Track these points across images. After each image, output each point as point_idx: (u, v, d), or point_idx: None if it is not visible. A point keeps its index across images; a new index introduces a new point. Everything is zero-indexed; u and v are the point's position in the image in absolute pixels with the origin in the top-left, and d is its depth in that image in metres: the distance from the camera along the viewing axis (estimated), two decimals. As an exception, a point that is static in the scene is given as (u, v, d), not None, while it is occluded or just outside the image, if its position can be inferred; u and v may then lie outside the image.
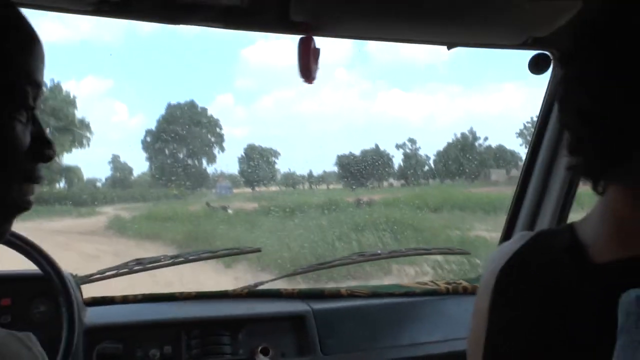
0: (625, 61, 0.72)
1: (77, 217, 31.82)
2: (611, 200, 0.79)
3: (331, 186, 63.55)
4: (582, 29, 0.79)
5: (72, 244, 19.26)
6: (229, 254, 2.20)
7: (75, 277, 1.76)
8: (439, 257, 9.31)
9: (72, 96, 40.26)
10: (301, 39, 1.42)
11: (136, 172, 71.23)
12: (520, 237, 0.95)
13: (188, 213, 27.01)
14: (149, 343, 1.82)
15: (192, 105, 59.64)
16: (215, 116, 61.78)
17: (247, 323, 1.92)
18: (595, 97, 0.75)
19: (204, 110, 60.37)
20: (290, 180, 70.00)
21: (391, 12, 1.46)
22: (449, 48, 1.77)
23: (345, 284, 10.56)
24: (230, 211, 29.05)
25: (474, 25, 1.63)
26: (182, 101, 60.82)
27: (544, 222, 2.13)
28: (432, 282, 2.31)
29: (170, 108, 58.56)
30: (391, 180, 63.66)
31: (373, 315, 2.12)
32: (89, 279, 1.89)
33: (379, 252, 2.45)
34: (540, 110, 2.13)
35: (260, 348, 1.84)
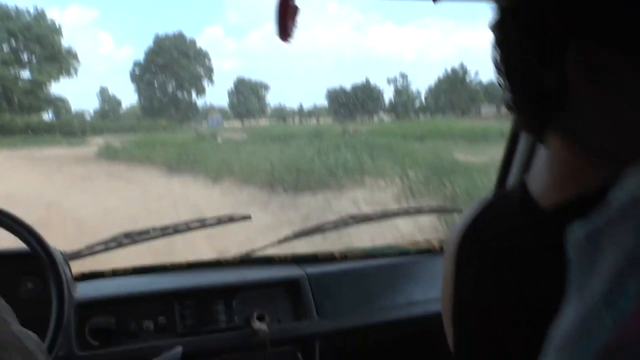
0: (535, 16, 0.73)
1: (67, 147, 31.94)
2: (553, 150, 0.80)
3: (321, 120, 63.56)
4: None
5: (64, 167, 19.75)
6: (218, 223, 2.17)
7: (63, 253, 1.74)
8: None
9: (57, 24, 39.84)
10: None
11: (125, 104, 70.73)
12: (478, 202, 0.94)
13: (178, 140, 27.44)
14: (142, 315, 1.76)
15: (180, 36, 58.92)
16: (204, 48, 61.37)
17: (241, 290, 1.87)
18: (514, 58, 0.77)
19: (193, 42, 59.71)
20: (280, 113, 70.01)
21: None
22: (435, 2, 1.61)
23: (321, 195, 11.28)
24: (219, 140, 29.52)
25: None
26: (170, 32, 60.21)
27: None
28: (426, 240, 2.29)
29: (158, 39, 57.90)
30: (381, 114, 63.76)
31: (368, 276, 2.05)
32: (77, 255, 1.88)
33: (371, 214, 2.43)
34: None
35: (255, 314, 1.80)
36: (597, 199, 0.56)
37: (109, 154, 24.33)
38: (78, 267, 1.84)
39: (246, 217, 2.35)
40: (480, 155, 13.62)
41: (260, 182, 13.48)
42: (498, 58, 0.79)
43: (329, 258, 2.11)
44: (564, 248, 0.57)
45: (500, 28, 0.78)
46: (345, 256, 2.13)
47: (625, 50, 0.66)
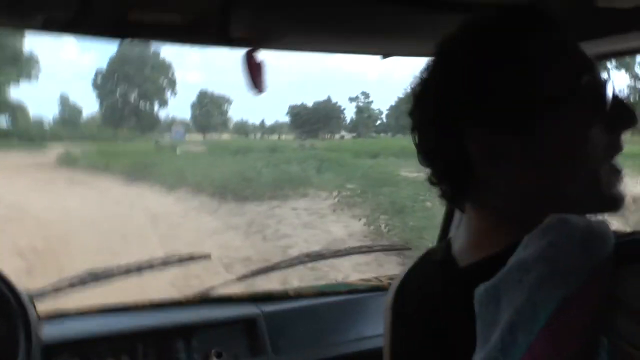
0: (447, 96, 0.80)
1: (27, 153, 31.90)
2: (469, 217, 0.86)
3: (283, 136, 63.81)
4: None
5: (25, 172, 20.27)
6: (180, 261, 2.26)
7: (28, 292, 1.69)
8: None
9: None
10: (245, 53, 1.45)
11: (86, 113, 70.43)
12: (417, 258, 1.00)
13: (137, 150, 28.02)
14: (106, 355, 1.78)
15: (144, 47, 59.01)
16: (168, 60, 61.61)
17: (200, 329, 1.93)
18: (424, 139, 0.85)
19: (157, 53, 59.88)
20: (242, 128, 70.17)
21: (327, 26, 1.52)
22: (383, 57, 1.87)
23: (267, 204, 12.24)
24: (178, 151, 30.10)
25: (407, 37, 1.67)
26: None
27: None
28: (375, 278, 2.37)
29: (122, 48, 57.86)
30: (343, 132, 64.25)
31: (320, 313, 2.13)
32: (42, 293, 1.87)
33: (324, 252, 2.57)
34: None
35: (214, 352, 1.87)
36: (502, 261, 0.66)
37: (69, 161, 24.86)
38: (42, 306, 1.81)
39: (206, 256, 2.48)
40: (419, 171, 14.61)
41: (212, 191, 14.39)
42: (418, 137, 0.86)
43: (283, 296, 2.17)
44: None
45: (416, 110, 0.86)
46: (299, 294, 2.18)
47: (512, 132, 0.76)
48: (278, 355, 1.99)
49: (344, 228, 9.94)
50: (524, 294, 0.60)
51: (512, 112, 0.76)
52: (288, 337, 2.04)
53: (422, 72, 0.86)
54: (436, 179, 0.86)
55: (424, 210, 9.69)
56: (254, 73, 1.46)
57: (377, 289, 2.27)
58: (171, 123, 66.92)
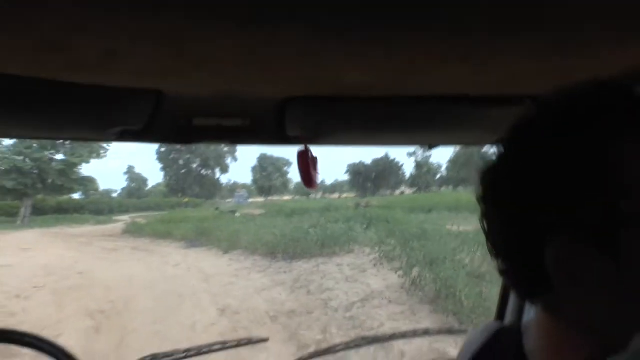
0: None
1: (96, 224, 34.06)
2: (543, 320, 0.79)
3: (344, 195, 63.83)
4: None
5: (93, 242, 21.64)
6: (238, 345, 2.30)
7: None
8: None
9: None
10: (299, 151, 1.53)
11: (151, 183, 72.94)
12: (485, 328, 0.94)
13: (199, 216, 29.23)
14: None
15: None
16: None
17: None
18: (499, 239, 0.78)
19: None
20: (303, 189, 70.72)
21: (374, 124, 1.56)
22: (429, 149, 1.92)
23: (314, 261, 12.94)
24: (237, 214, 31.12)
25: (452, 128, 1.69)
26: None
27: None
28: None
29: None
30: (403, 188, 63.92)
31: None
32: None
33: (379, 336, 2.56)
34: None
35: None
36: None
37: (134, 230, 26.13)
38: None
39: (264, 340, 2.50)
40: (467, 225, 14.96)
41: (264, 251, 15.26)
42: (486, 229, 0.80)
43: None
44: None
45: (487, 211, 0.79)
46: None
47: (597, 246, 0.68)
48: None
49: (382, 281, 10.52)
50: None
51: (600, 223, 0.68)
52: None
53: (495, 156, 0.79)
54: (507, 272, 0.80)
55: (454, 262, 10.19)
56: (308, 168, 1.52)
57: None
58: (233, 188, 68.63)
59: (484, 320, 7.86)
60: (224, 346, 2.30)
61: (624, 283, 0.69)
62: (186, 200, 50.79)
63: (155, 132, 1.53)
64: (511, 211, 0.75)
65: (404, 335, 2.61)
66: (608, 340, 0.68)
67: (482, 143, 1.95)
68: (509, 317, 2.24)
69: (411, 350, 7.14)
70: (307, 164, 1.55)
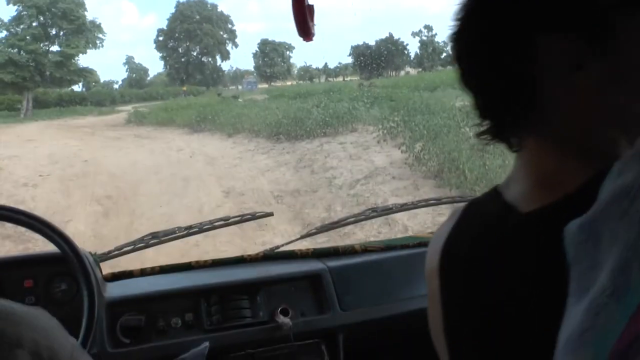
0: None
1: (99, 115, 33.95)
2: (529, 155, 0.75)
3: (348, 78, 63.21)
4: None
5: (97, 132, 21.65)
6: (241, 221, 2.24)
7: (94, 255, 1.82)
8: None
9: (80, -2, 41.18)
10: None
11: (152, 72, 72.10)
12: (453, 213, 0.89)
13: (201, 103, 29.05)
14: (170, 312, 1.79)
15: (202, 2, 59.76)
16: (225, 12, 62.28)
17: (264, 285, 1.89)
18: (481, 60, 0.75)
19: (214, 6, 60.37)
20: (306, 73, 70.10)
21: None
22: None
23: (317, 141, 12.92)
24: (240, 100, 30.87)
25: None
26: (192, -2, 61.35)
27: None
28: None
29: (180, 5, 58.79)
30: (408, 68, 63.28)
31: (388, 268, 2.03)
32: (107, 256, 1.94)
33: (390, 206, 2.46)
34: None
35: (279, 309, 1.82)
36: (576, 202, 0.56)
37: (137, 119, 26.13)
38: (108, 267, 1.94)
39: (269, 214, 2.42)
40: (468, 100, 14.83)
41: (267, 133, 15.23)
42: (464, 65, 0.78)
43: (349, 251, 2.10)
44: (554, 249, 0.56)
45: (464, 33, 0.77)
46: (365, 249, 2.11)
47: (588, 39, 0.65)
48: (345, 312, 1.93)
49: (386, 157, 10.52)
50: (634, 227, 0.48)
51: (586, 13, 0.65)
52: (354, 292, 1.98)
53: None
54: (489, 112, 0.77)
55: (458, 135, 10.12)
56: (304, 17, 1.37)
57: None
58: (235, 75, 67.88)
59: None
60: (226, 222, 2.21)
61: (619, 79, 0.66)
62: (184, 88, 50.24)
63: None
64: (493, 26, 0.72)
65: (415, 206, 2.54)
66: (606, 156, 0.61)
67: None
68: None
69: (415, 225, 7.23)
70: (304, 12, 1.35)
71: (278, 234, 7.46)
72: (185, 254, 5.59)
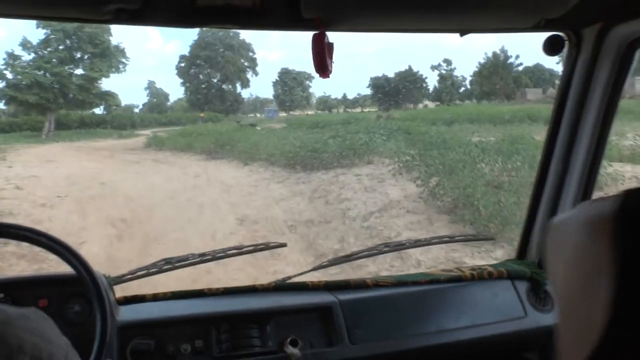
0: None
1: (118, 138, 34.38)
2: None
3: (366, 109, 63.38)
4: None
5: (116, 155, 21.88)
6: (255, 251, 2.25)
7: (107, 277, 1.83)
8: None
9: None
10: (314, 35, 1.42)
11: (172, 98, 72.87)
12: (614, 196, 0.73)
13: (219, 130, 29.28)
14: (180, 338, 1.80)
15: (224, 30, 60.51)
16: (247, 40, 62.87)
17: (274, 316, 1.89)
18: None
19: (237, 34, 61.11)
20: (325, 103, 70.38)
21: (401, 4, 1.46)
22: (461, 35, 1.79)
23: (332, 172, 12.95)
24: (258, 128, 31.08)
25: (485, 11, 1.61)
26: (213, 26, 61.81)
27: (567, 202, 2.11)
28: (457, 269, 2.26)
29: (203, 33, 59.48)
30: (426, 101, 63.20)
31: (399, 303, 2.04)
32: (120, 279, 1.95)
33: (404, 242, 2.47)
34: (558, 91, 2.06)
35: (289, 339, 1.82)
36: None
37: (155, 144, 26.35)
38: (119, 291, 1.95)
39: (282, 245, 2.41)
40: (489, 135, 14.84)
41: (283, 163, 15.32)
42: None
43: (360, 285, 2.10)
44: None
45: None
46: (377, 283, 2.11)
47: None
48: (355, 345, 1.93)
49: (401, 190, 10.52)
50: None
51: None
52: (365, 326, 1.97)
53: None
54: None
55: (473, 171, 10.10)
56: (323, 54, 1.41)
57: (457, 279, 2.18)
58: (255, 103, 68.36)
59: (502, 229, 7.86)
60: (239, 251, 2.22)
61: None
62: (202, 115, 50.53)
63: (154, 13, 1.45)
64: None
65: (428, 243, 2.53)
66: None
67: (522, 27, 1.83)
68: (531, 255, 2.29)
69: (428, 260, 7.20)
70: (322, 50, 1.44)
71: (290, 263, 7.46)
72: (197, 279, 5.62)
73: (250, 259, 7.21)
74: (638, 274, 0.70)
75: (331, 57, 1.46)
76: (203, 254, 2.14)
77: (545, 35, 1.88)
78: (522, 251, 2.33)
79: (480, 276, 2.19)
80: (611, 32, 1.82)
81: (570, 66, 1.98)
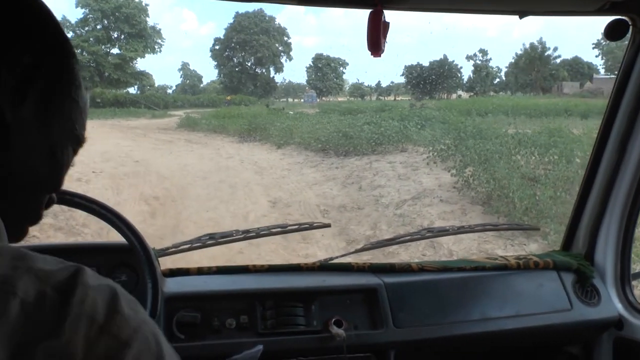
0: None
1: (151, 118, 34.71)
2: None
3: (399, 97, 63.10)
4: None
5: (149, 134, 22.07)
6: (299, 230, 2.22)
7: (154, 249, 1.80)
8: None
9: (144, 3, 42.35)
10: (371, 13, 1.39)
11: (205, 80, 73.49)
12: None
13: (252, 112, 29.37)
14: (225, 313, 1.79)
15: (260, 14, 60.75)
16: (283, 25, 62.97)
17: (319, 295, 1.88)
18: None
19: (272, 18, 61.31)
20: (358, 90, 70.20)
21: None
22: (520, 17, 1.75)
23: (366, 159, 12.88)
24: (290, 112, 31.08)
25: None
26: (250, 10, 62.24)
27: (618, 195, 2.10)
28: (502, 257, 2.25)
29: (239, 16, 59.77)
30: (460, 91, 62.73)
31: (443, 289, 2.03)
32: (165, 252, 1.95)
33: (447, 227, 2.43)
34: (617, 80, 2.00)
35: (333, 320, 1.81)
36: None
37: (188, 124, 26.49)
38: (164, 263, 1.95)
39: (326, 225, 2.39)
40: (525, 127, 14.65)
41: (317, 147, 15.30)
42: None
43: (405, 269, 2.09)
44: None
45: None
46: (422, 268, 2.10)
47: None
48: (399, 329, 1.91)
49: (435, 179, 10.41)
50: None
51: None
52: (409, 310, 1.96)
53: None
54: None
55: (509, 163, 9.95)
56: (377, 34, 1.39)
57: (503, 267, 2.16)
58: (287, 88, 68.47)
59: (535, 222, 7.73)
60: (284, 229, 2.20)
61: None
62: (228, 97, 50.57)
63: None
64: None
65: (471, 230, 2.51)
66: None
67: (586, 10, 1.78)
68: (577, 247, 2.25)
69: (460, 250, 7.13)
70: (378, 28, 1.39)
71: (322, 247, 7.45)
72: (230, 259, 5.63)
73: (282, 241, 7.22)
74: None
75: (385, 37, 1.43)
76: (247, 231, 2.13)
77: (606, 20, 1.80)
78: (568, 243, 2.29)
79: (525, 265, 2.16)
80: None
81: (632, 53, 1.91)
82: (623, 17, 1.81)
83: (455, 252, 7.06)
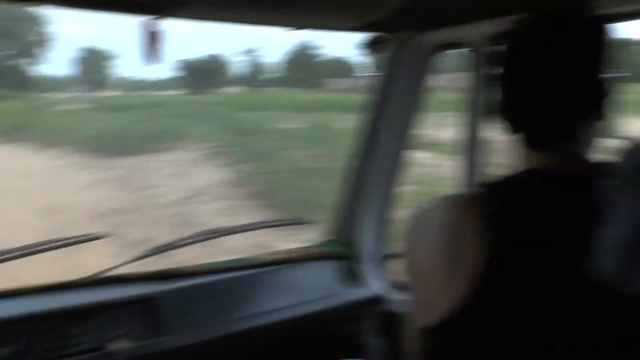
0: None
1: None
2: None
3: (173, 92, 61.81)
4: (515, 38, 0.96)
5: None
6: (71, 244, 2.10)
7: None
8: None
9: None
10: (143, 21, 1.37)
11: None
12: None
13: (11, 109, 26.80)
14: None
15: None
16: (41, 13, 58.22)
17: (95, 311, 1.82)
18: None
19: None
20: (130, 85, 67.61)
21: None
22: (289, 31, 1.88)
23: (143, 157, 12.53)
24: (57, 109, 29.09)
25: (312, 10, 1.68)
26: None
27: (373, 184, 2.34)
28: (271, 252, 2.39)
29: (-10, 4, 54.35)
30: (234, 87, 63.44)
31: (217, 290, 2.07)
32: None
33: (220, 229, 2.47)
34: (371, 89, 2.24)
35: (110, 336, 1.78)
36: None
37: None
38: None
39: (99, 238, 2.29)
40: (292, 123, 15.27)
41: (87, 148, 14.57)
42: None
43: (179, 274, 2.11)
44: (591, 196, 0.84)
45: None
46: (194, 272, 2.14)
47: None
48: (179, 335, 1.93)
49: (212, 176, 10.51)
50: None
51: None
52: (187, 315, 1.98)
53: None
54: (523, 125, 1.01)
55: (284, 157, 10.36)
56: (153, 42, 1.37)
57: (273, 263, 2.25)
58: (51, 82, 63.87)
59: (313, 213, 8.12)
60: (51, 245, 2.01)
61: None
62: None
63: None
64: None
65: (243, 229, 2.54)
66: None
67: (345, 28, 1.94)
68: (341, 234, 2.42)
69: (237, 246, 7.25)
70: (152, 37, 1.39)
71: (98, 254, 7.12)
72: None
73: (51, 252, 6.76)
74: (498, 239, 0.91)
75: (161, 45, 1.42)
76: (8, 251, 1.92)
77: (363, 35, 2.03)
78: (334, 230, 2.44)
79: (295, 258, 2.29)
80: (422, 37, 2.02)
81: (386, 66, 2.14)
82: (378, 34, 2.03)
83: (232, 248, 7.18)
